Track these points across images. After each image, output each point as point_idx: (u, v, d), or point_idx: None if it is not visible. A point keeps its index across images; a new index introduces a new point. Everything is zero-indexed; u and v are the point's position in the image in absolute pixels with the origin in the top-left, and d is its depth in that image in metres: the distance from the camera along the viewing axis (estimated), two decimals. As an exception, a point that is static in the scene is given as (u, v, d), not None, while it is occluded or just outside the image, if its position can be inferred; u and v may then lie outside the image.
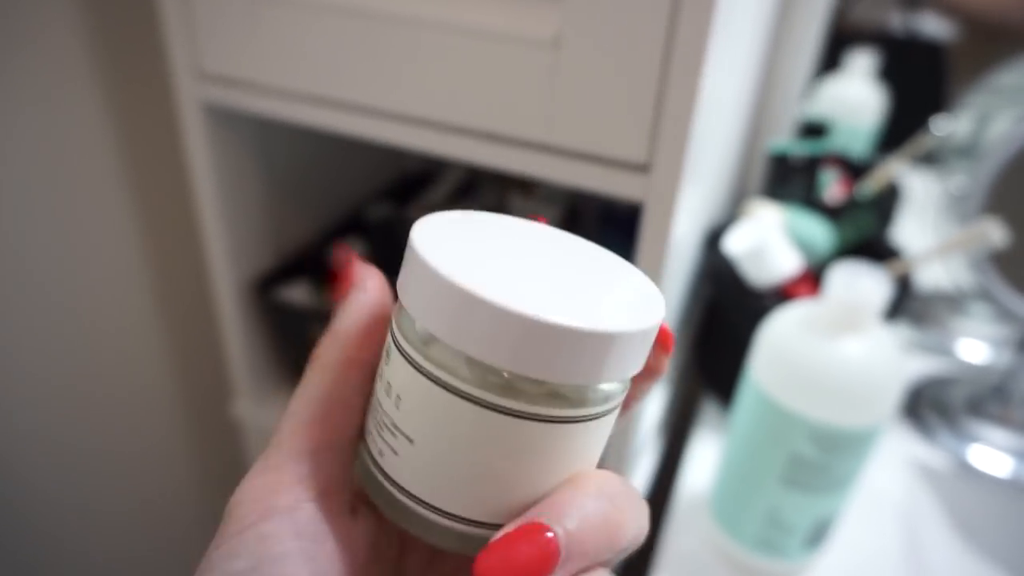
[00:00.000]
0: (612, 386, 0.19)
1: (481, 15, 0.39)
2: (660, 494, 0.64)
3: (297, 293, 0.63)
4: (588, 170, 0.40)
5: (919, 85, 1.01)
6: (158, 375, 0.75)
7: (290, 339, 0.65)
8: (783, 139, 0.82)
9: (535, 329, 0.16)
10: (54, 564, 0.70)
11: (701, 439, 0.61)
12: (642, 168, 0.39)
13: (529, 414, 0.18)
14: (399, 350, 0.19)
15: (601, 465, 0.21)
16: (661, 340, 0.21)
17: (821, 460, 0.42)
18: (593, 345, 0.17)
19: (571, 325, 0.17)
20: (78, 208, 0.62)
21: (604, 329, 0.17)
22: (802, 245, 0.61)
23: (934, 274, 0.79)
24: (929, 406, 0.64)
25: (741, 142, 0.76)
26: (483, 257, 0.19)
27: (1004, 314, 0.59)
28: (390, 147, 0.48)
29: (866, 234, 0.65)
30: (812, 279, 0.56)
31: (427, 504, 0.19)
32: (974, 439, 0.61)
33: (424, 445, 0.19)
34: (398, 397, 0.19)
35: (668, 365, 0.23)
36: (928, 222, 0.71)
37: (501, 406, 0.18)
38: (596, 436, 0.20)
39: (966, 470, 0.59)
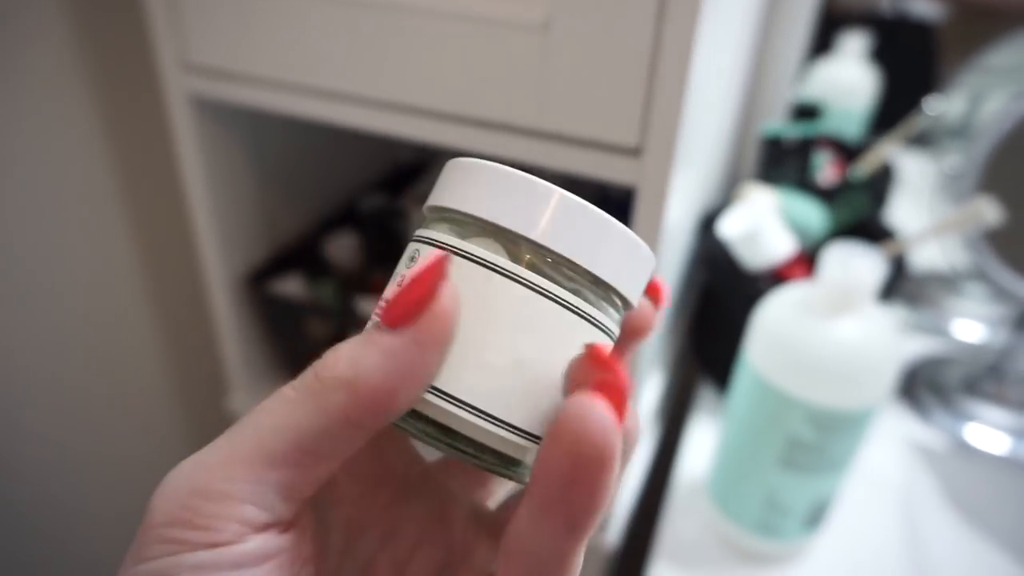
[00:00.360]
0: (616, 314, 0.20)
1: (470, 0, 0.39)
2: (658, 479, 0.64)
3: (290, 286, 0.63)
4: (580, 155, 0.40)
5: (909, 66, 1.01)
6: (152, 370, 0.75)
7: (284, 332, 0.64)
8: (776, 122, 0.81)
9: (581, 214, 0.19)
10: (51, 560, 0.70)
11: (698, 424, 0.61)
12: (634, 152, 0.38)
13: (563, 300, 0.19)
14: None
15: None
16: (652, 292, 0.21)
17: (818, 441, 0.42)
18: (624, 245, 0.19)
19: (613, 222, 0.19)
20: (67, 204, 0.62)
21: (636, 238, 0.20)
22: (796, 228, 0.61)
23: (929, 254, 0.79)
24: (925, 386, 0.65)
25: (734, 126, 0.76)
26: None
27: (999, 293, 0.59)
28: (381, 136, 0.47)
29: (860, 215, 0.65)
30: (806, 261, 0.56)
31: (476, 409, 0.18)
32: (970, 418, 0.61)
33: (471, 335, 0.18)
34: None
35: (658, 323, 0.22)
36: (922, 203, 0.70)
37: (542, 288, 0.18)
38: None
39: (962, 449, 0.59)
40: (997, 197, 0.52)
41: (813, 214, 0.63)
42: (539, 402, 0.19)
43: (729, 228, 0.55)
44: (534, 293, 0.18)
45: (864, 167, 0.71)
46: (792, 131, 0.72)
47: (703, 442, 0.59)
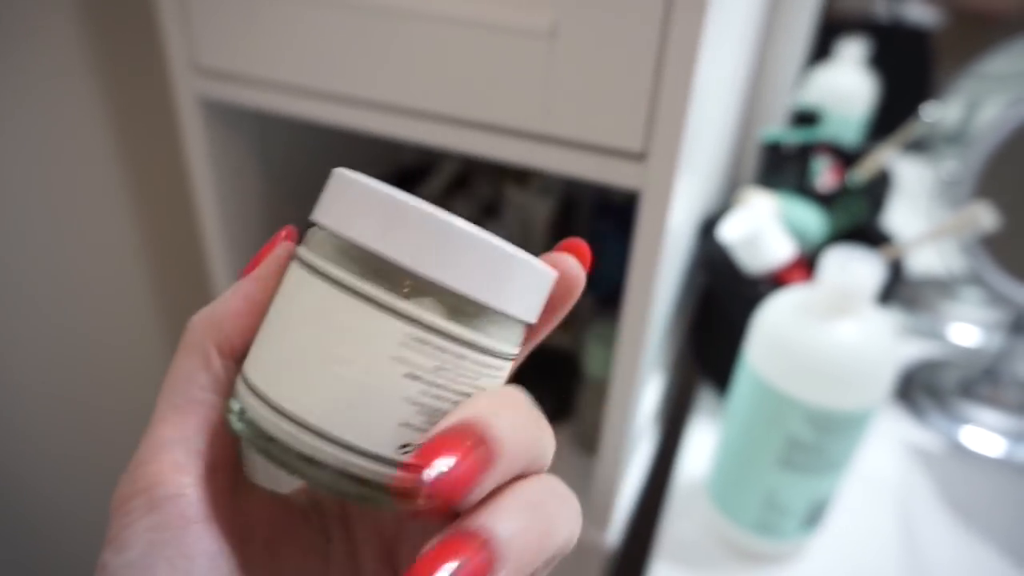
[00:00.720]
0: (504, 333, 0.19)
1: (477, 6, 0.40)
2: (658, 480, 0.65)
3: (295, 287, 0.63)
4: (585, 159, 0.41)
5: (906, 72, 1.01)
6: (159, 371, 0.76)
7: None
8: (775, 128, 0.82)
9: (430, 223, 0.18)
10: (50, 563, 0.70)
11: (698, 426, 0.62)
12: (638, 157, 0.39)
13: (430, 325, 0.18)
14: (306, 268, 0.19)
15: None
16: (577, 251, 0.21)
17: (817, 442, 0.42)
18: (483, 253, 0.18)
19: (467, 229, 0.18)
20: (76, 204, 0.62)
21: (497, 243, 0.18)
22: (795, 232, 0.61)
23: (926, 259, 0.80)
24: (921, 389, 0.65)
25: (734, 131, 0.77)
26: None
27: (995, 297, 0.59)
28: (387, 139, 0.48)
29: (858, 220, 0.66)
30: (805, 265, 0.57)
31: (314, 430, 0.18)
32: (966, 420, 0.62)
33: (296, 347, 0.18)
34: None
35: (582, 283, 0.21)
36: (919, 208, 0.71)
37: (386, 304, 0.17)
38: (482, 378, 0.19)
39: (958, 451, 0.60)
40: (993, 203, 0.53)
41: (812, 219, 0.64)
42: (366, 413, 0.18)
43: (729, 232, 0.56)
44: (336, 289, 0.18)
45: (862, 173, 0.72)
46: (791, 137, 0.73)
47: (703, 443, 0.60)
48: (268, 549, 0.20)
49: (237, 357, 0.20)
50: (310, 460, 0.18)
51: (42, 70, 0.56)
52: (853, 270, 0.40)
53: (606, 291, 0.70)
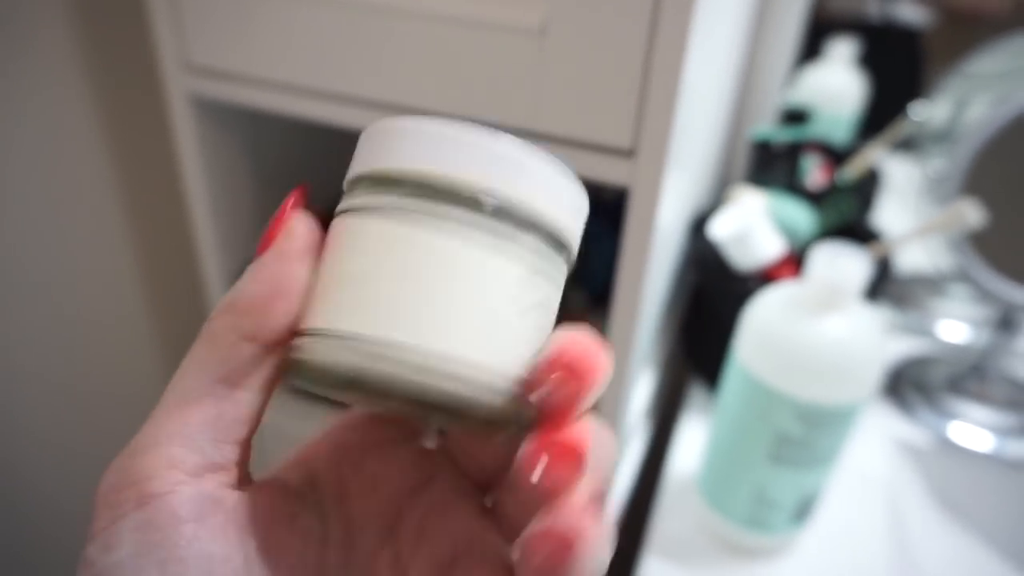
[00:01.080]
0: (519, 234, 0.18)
1: (468, 4, 0.40)
2: (649, 476, 0.65)
3: (288, 285, 0.63)
4: (574, 156, 0.41)
5: (897, 72, 1.02)
6: (150, 369, 0.76)
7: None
8: (765, 126, 0.83)
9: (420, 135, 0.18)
10: (46, 558, 0.70)
11: (689, 422, 0.62)
12: (627, 153, 0.39)
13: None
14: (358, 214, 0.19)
15: None
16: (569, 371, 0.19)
17: (805, 436, 0.43)
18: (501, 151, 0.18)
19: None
20: (67, 203, 0.62)
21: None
22: (785, 229, 0.62)
23: (914, 257, 0.81)
24: (910, 385, 0.66)
25: (725, 129, 0.77)
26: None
27: (982, 294, 0.60)
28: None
29: (847, 218, 0.67)
30: (795, 262, 0.57)
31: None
32: (954, 416, 0.62)
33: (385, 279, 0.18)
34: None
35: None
36: (908, 206, 0.72)
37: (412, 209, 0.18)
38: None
39: (946, 446, 0.61)
40: (980, 200, 0.54)
41: (801, 216, 0.64)
42: (460, 321, 0.17)
43: (719, 229, 0.57)
44: (400, 222, 0.18)
45: (851, 171, 0.73)
46: (781, 135, 0.73)
47: (693, 440, 0.60)
48: (267, 542, 0.19)
49: (277, 337, 0.19)
50: (420, 387, 0.17)
51: (33, 68, 0.56)
52: (841, 266, 0.40)
53: (597, 289, 0.70)
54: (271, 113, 0.50)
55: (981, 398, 0.63)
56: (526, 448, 0.18)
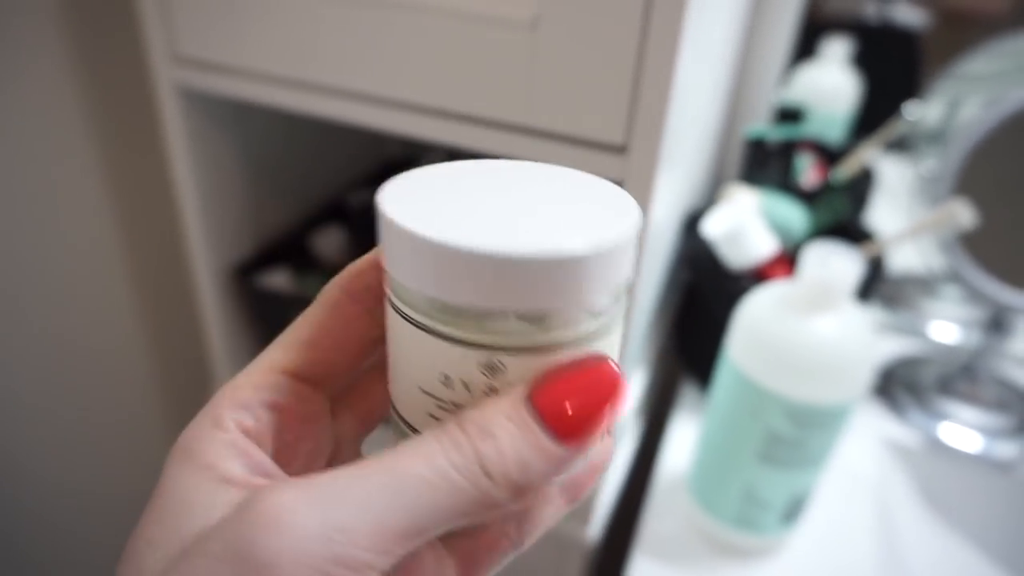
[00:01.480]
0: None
1: (459, -2, 0.40)
2: (640, 475, 0.65)
3: (277, 280, 0.63)
4: (567, 152, 0.41)
5: (893, 72, 1.02)
6: (138, 363, 0.75)
7: (271, 326, 0.64)
8: (759, 124, 0.83)
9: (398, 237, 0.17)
10: (48, 557, 0.70)
11: (680, 421, 0.62)
12: (620, 149, 0.39)
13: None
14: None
15: None
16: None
17: (796, 436, 0.43)
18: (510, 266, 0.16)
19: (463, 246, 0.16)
20: (53, 196, 0.61)
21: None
22: (778, 228, 0.62)
23: (906, 257, 0.81)
24: (900, 385, 0.66)
25: (719, 128, 0.77)
26: (436, 201, 0.18)
27: (973, 295, 0.60)
28: (369, 130, 0.48)
29: (840, 217, 0.66)
30: (787, 261, 0.57)
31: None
32: (944, 417, 0.62)
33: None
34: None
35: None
36: (901, 206, 0.72)
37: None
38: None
39: (936, 447, 0.61)
40: (971, 201, 0.54)
41: (794, 215, 0.64)
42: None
43: (712, 228, 0.56)
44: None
45: (845, 170, 0.73)
46: (775, 134, 0.73)
47: (685, 439, 0.60)
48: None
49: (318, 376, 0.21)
50: None
51: (19, 59, 0.56)
52: (832, 265, 0.40)
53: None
54: (260, 105, 0.50)
55: (971, 399, 0.63)
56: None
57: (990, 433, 0.61)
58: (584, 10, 0.37)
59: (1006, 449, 0.60)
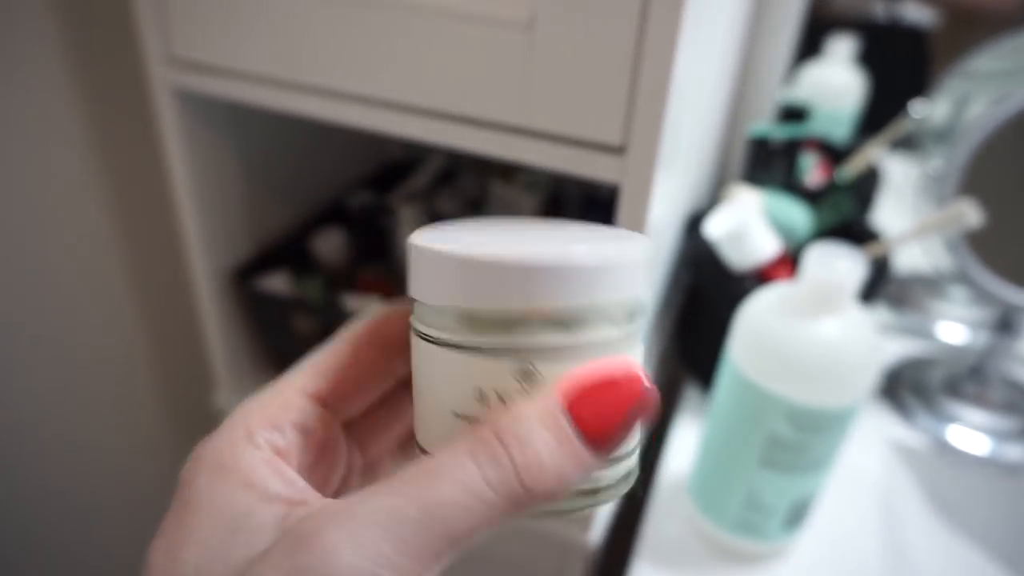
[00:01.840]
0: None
1: (454, -3, 0.39)
2: (642, 479, 0.64)
3: (277, 283, 0.63)
4: (564, 152, 0.40)
5: (902, 71, 1.01)
6: (138, 367, 0.75)
7: (270, 329, 0.64)
8: (763, 123, 0.82)
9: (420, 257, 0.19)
10: (43, 559, 0.70)
11: (682, 424, 0.61)
12: (618, 150, 0.39)
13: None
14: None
15: None
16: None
17: (798, 441, 0.42)
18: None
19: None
20: (50, 199, 0.61)
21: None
22: (782, 229, 0.61)
23: (913, 257, 0.80)
24: (907, 387, 0.65)
25: (722, 128, 0.76)
26: (463, 234, 0.20)
27: (980, 295, 0.59)
28: (367, 133, 0.48)
29: (845, 217, 0.66)
30: (791, 262, 0.56)
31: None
32: (952, 419, 0.62)
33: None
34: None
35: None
36: (907, 206, 0.71)
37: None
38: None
39: (944, 450, 0.60)
40: (978, 200, 0.53)
41: (798, 215, 0.63)
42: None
43: (714, 228, 0.56)
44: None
45: (850, 169, 0.72)
46: (779, 133, 0.72)
47: (687, 442, 0.59)
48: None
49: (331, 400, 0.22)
50: None
51: (15, 62, 0.56)
52: (835, 267, 0.39)
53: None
54: (256, 107, 0.49)
55: (979, 401, 0.62)
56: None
57: (998, 436, 0.60)
58: (580, 10, 0.36)
59: (1015, 452, 0.59)
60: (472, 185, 0.76)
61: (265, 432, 0.20)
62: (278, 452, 0.20)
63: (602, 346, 0.19)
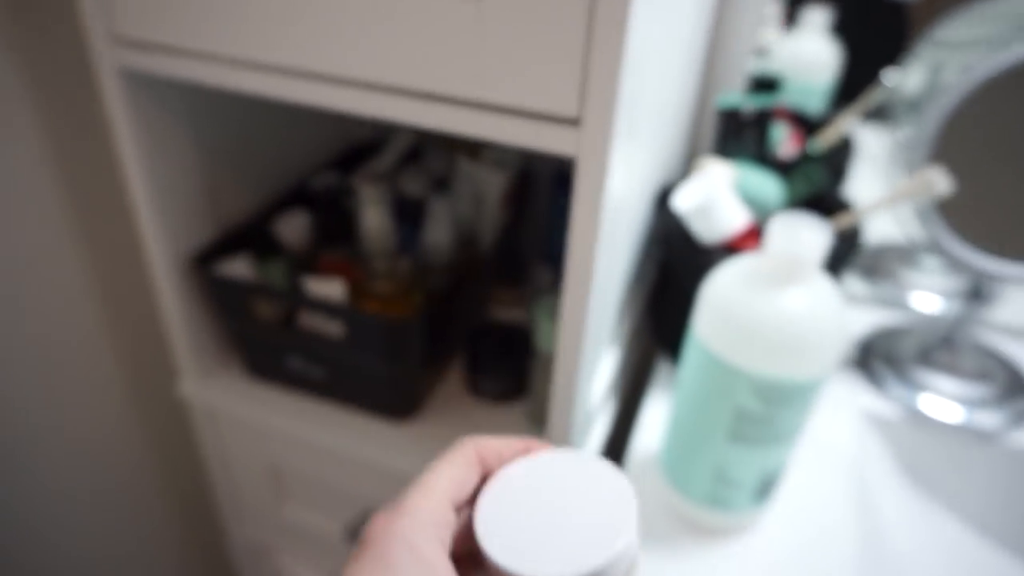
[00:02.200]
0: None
1: (401, -35, 0.38)
2: (614, 455, 0.64)
3: (238, 267, 0.61)
4: (520, 126, 0.39)
5: (879, 42, 1.00)
6: (100, 357, 0.73)
7: (232, 314, 0.63)
8: (734, 94, 0.80)
9: None
10: (10, 546, 0.69)
11: (655, 400, 0.61)
12: (573, 122, 0.37)
13: None
14: None
15: None
16: None
17: (765, 413, 0.41)
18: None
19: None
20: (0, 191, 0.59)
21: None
22: (753, 201, 0.60)
23: (886, 227, 0.79)
24: (879, 357, 0.65)
25: (692, 100, 0.75)
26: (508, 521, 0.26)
27: (952, 263, 0.59)
28: (323, 111, 0.46)
29: (817, 188, 0.65)
30: (760, 234, 0.56)
31: None
32: (924, 388, 0.61)
33: None
34: None
35: None
36: (881, 176, 0.70)
37: None
38: None
39: (916, 419, 0.60)
40: (949, 168, 0.52)
41: (770, 187, 0.62)
42: None
43: (682, 201, 0.55)
44: None
45: (823, 140, 0.71)
46: (750, 103, 0.71)
47: (658, 417, 0.59)
48: None
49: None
50: None
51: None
52: (799, 237, 0.38)
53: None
54: (203, 85, 0.48)
55: (951, 369, 0.62)
56: None
57: (971, 403, 0.60)
58: (529, -26, 0.35)
59: (987, 419, 0.59)
60: (439, 163, 0.75)
61: (442, 532, 0.24)
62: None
63: None
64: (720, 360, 0.41)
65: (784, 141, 0.73)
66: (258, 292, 0.59)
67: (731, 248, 0.54)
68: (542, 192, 0.77)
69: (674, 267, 0.61)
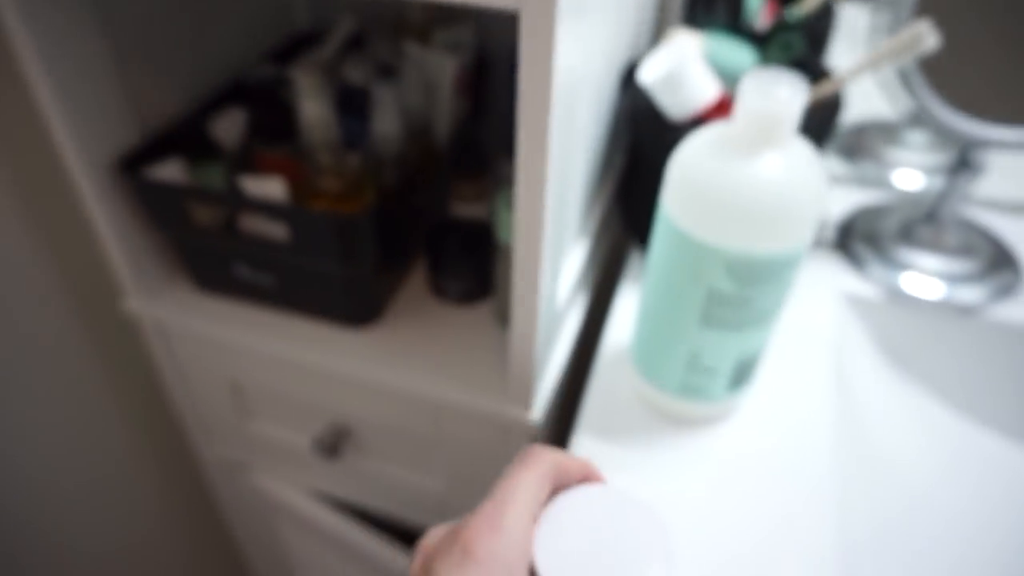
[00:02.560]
0: None
1: None
2: (586, 351, 0.61)
3: (170, 170, 0.56)
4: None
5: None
6: (38, 284, 0.68)
7: (168, 222, 0.58)
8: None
9: None
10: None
11: (626, 292, 0.58)
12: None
13: None
14: None
15: None
16: None
17: (739, 294, 0.38)
18: None
19: None
20: None
21: None
22: (725, 72, 0.55)
23: (867, 102, 0.75)
24: (860, 237, 0.62)
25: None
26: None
27: (939, 131, 0.55)
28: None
29: (796, 56, 0.60)
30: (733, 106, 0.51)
31: None
32: (906, 266, 0.59)
33: None
34: None
35: None
36: (863, 49, 0.65)
37: None
38: None
39: (897, 297, 0.57)
40: (935, 24, 0.47)
41: (744, 58, 0.57)
42: None
43: (647, 73, 0.50)
44: None
45: (803, 6, 0.65)
46: (722, -32, 0.65)
47: (630, 310, 0.56)
48: None
49: None
50: None
51: None
52: (774, 94, 0.34)
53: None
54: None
55: (934, 246, 0.59)
56: None
57: (953, 279, 0.58)
58: None
59: (969, 294, 0.57)
60: (384, 50, 0.68)
61: (529, 551, 0.26)
62: None
63: None
64: (690, 238, 0.38)
65: (760, 10, 0.67)
66: (192, 196, 0.54)
67: (702, 122, 0.50)
68: (502, 80, 0.71)
69: (643, 148, 0.56)
